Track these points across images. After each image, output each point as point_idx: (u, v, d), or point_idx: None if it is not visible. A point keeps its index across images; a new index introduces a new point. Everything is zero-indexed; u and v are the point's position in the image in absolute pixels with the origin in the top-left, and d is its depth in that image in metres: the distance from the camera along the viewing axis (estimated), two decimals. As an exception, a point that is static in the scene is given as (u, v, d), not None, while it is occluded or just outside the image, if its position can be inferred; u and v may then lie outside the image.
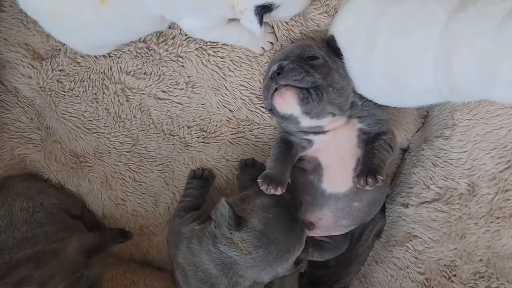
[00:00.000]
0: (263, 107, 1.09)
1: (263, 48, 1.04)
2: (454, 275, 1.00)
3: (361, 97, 0.98)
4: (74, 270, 0.92)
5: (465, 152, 0.98)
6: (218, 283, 0.89)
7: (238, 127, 1.13)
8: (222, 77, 1.08)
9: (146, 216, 1.20)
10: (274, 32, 1.05)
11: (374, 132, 0.96)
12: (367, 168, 0.88)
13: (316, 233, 1.04)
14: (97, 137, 1.15)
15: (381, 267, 1.12)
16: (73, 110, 1.13)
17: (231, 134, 1.13)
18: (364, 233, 1.14)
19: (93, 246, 1.06)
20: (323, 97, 0.89)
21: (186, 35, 1.05)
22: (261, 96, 1.07)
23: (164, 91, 1.10)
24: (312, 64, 0.91)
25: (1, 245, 0.99)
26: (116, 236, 1.16)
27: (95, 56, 1.09)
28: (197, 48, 1.06)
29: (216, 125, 1.13)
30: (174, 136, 1.15)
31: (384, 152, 0.92)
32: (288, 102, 0.89)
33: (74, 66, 1.10)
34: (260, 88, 1.07)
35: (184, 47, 1.06)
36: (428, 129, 1.09)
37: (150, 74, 1.09)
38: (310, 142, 0.98)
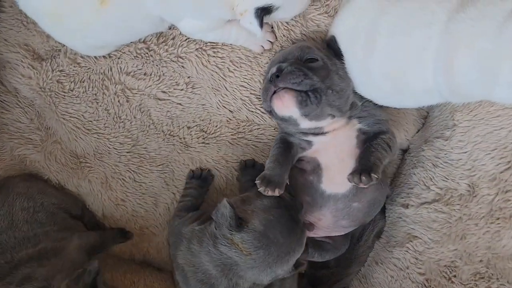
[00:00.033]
0: (263, 108, 1.09)
1: (262, 47, 1.04)
2: (454, 276, 1.00)
3: (361, 97, 0.98)
4: (75, 269, 0.92)
5: (465, 152, 0.98)
6: (218, 284, 0.89)
7: (238, 128, 1.13)
8: (222, 77, 1.08)
9: (146, 217, 1.20)
10: (273, 31, 1.04)
11: (374, 131, 0.96)
12: (362, 166, 0.88)
13: (316, 233, 1.04)
14: (97, 138, 1.15)
15: (381, 268, 1.12)
16: (73, 110, 1.13)
17: (231, 135, 1.13)
18: (364, 234, 1.14)
19: (93, 244, 1.06)
20: (321, 99, 0.89)
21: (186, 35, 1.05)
22: (261, 97, 1.07)
23: (164, 92, 1.10)
24: (311, 67, 0.91)
25: (3, 244, 0.99)
26: (117, 236, 1.16)
27: (95, 57, 1.09)
28: (197, 49, 1.06)
29: (216, 126, 1.13)
30: (174, 136, 1.15)
31: (382, 151, 0.92)
32: (286, 105, 0.89)
33: (74, 66, 1.10)
34: (260, 88, 1.07)
35: (184, 47, 1.06)
36: (428, 130, 1.09)
37: (150, 74, 1.09)
38: (309, 143, 0.98)
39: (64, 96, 1.12)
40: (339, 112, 0.93)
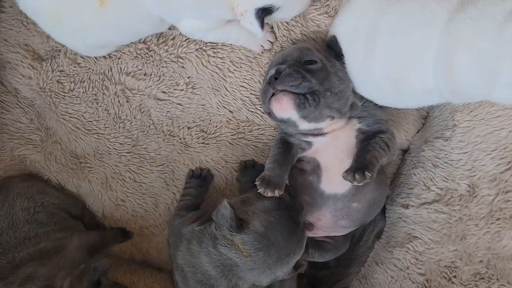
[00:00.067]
0: (262, 109, 1.09)
1: (262, 47, 1.04)
2: (455, 276, 1.00)
3: (362, 98, 0.98)
4: (76, 267, 0.92)
5: (465, 153, 0.98)
6: (217, 285, 0.89)
7: (238, 128, 1.13)
8: (222, 78, 1.08)
9: (146, 217, 1.20)
10: (273, 31, 1.04)
11: (373, 131, 0.96)
12: (358, 164, 0.88)
13: (316, 233, 1.04)
14: (97, 138, 1.15)
15: (381, 268, 1.12)
16: (73, 111, 1.13)
17: (231, 135, 1.13)
18: (364, 234, 1.14)
19: (94, 243, 1.07)
20: (320, 102, 0.89)
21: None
22: (260, 98, 1.07)
23: (164, 92, 1.10)
24: (310, 69, 0.91)
25: (4, 245, 0.99)
26: (117, 235, 1.16)
27: (95, 57, 1.09)
28: (197, 49, 1.06)
29: (216, 126, 1.13)
30: (174, 137, 1.15)
31: (379, 150, 0.91)
32: (284, 108, 0.90)
33: (74, 67, 1.10)
34: (260, 89, 1.07)
35: (184, 48, 1.06)
36: (429, 130, 1.09)
37: (150, 75, 1.09)
38: (309, 143, 0.98)
39: (64, 96, 1.12)
40: (338, 114, 0.93)
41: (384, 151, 0.92)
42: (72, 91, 1.11)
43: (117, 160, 1.16)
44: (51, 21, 0.96)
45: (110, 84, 1.10)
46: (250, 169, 1.11)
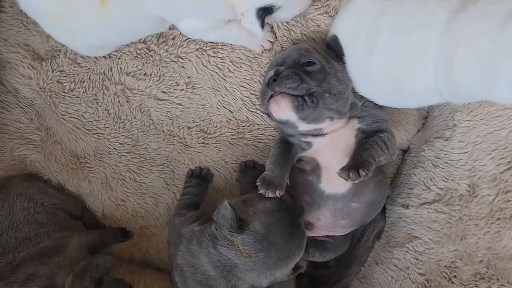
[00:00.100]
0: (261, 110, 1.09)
1: (263, 47, 1.04)
2: (455, 276, 1.00)
3: (362, 97, 0.98)
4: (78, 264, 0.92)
5: (465, 153, 0.98)
6: (217, 285, 0.89)
7: (238, 128, 1.13)
8: (222, 78, 1.08)
9: (146, 217, 1.20)
10: (273, 31, 1.04)
11: (372, 130, 0.96)
12: (353, 162, 0.88)
13: (316, 233, 1.04)
14: (97, 138, 1.15)
15: (381, 268, 1.12)
16: (73, 111, 1.13)
17: (231, 135, 1.13)
18: (364, 234, 1.14)
19: (94, 242, 1.07)
20: (318, 103, 0.89)
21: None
22: (259, 99, 1.07)
23: (164, 92, 1.10)
24: (308, 71, 0.91)
25: (4, 245, 0.99)
26: (117, 235, 1.17)
27: (95, 57, 1.09)
28: (197, 49, 1.06)
29: (216, 126, 1.13)
30: (174, 136, 1.15)
31: (377, 149, 0.91)
32: (283, 109, 0.90)
33: (74, 67, 1.10)
34: (260, 89, 1.07)
35: (184, 47, 1.06)
36: (429, 130, 1.09)
37: (150, 75, 1.09)
38: (309, 143, 0.98)
39: (64, 96, 1.12)
40: (337, 115, 0.93)
41: (382, 150, 0.92)
42: (72, 91, 1.11)
43: (117, 160, 1.16)
44: (51, 21, 0.96)
45: (110, 84, 1.10)
46: (250, 170, 1.12)
